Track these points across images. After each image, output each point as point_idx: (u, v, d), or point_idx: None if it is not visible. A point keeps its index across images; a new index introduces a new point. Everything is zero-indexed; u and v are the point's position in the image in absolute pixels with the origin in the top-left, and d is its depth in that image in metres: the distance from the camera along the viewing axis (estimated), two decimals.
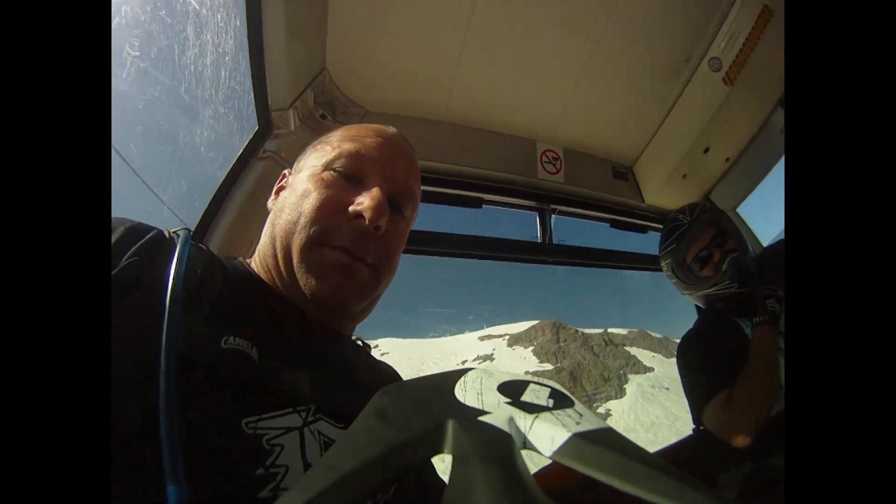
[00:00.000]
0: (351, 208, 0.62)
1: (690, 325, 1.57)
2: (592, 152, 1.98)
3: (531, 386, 0.43)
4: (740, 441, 1.15)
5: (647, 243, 2.28)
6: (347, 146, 0.68)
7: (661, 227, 2.30)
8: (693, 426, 1.39)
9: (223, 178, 1.28)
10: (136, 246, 0.51)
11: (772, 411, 1.17)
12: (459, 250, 1.64)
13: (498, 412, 0.37)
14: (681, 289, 1.59)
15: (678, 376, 1.43)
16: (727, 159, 2.24)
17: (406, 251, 0.81)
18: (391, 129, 0.75)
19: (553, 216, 1.85)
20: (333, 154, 0.67)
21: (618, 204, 2.05)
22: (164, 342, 0.43)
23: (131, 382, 0.42)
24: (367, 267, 0.63)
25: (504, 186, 1.77)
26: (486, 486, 0.27)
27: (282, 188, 0.74)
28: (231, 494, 0.42)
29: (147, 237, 0.53)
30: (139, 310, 0.46)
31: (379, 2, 1.35)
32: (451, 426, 0.34)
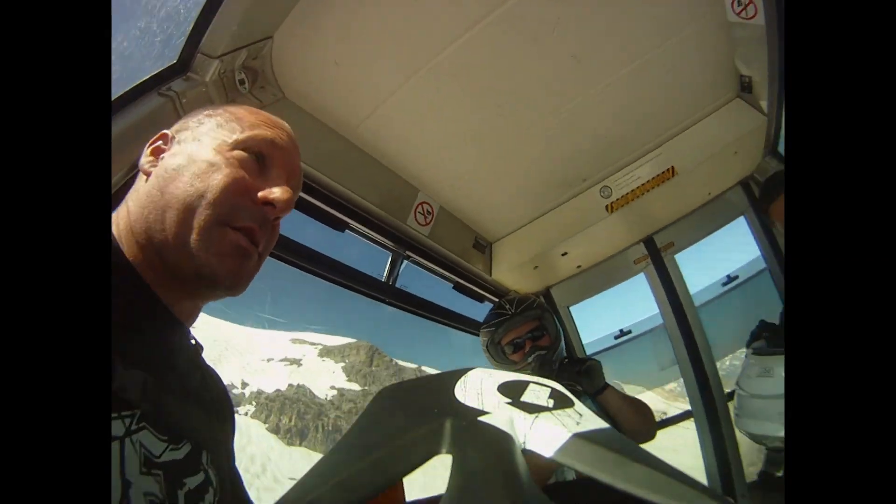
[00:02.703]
0: (261, 194, 0.65)
1: None
2: (463, 219, 2.28)
3: (531, 386, 0.45)
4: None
5: (481, 311, 2.56)
6: (261, 132, 0.69)
7: (496, 300, 2.56)
8: None
9: (114, 97, 1.21)
10: None
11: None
12: (307, 263, 1.71)
13: (498, 412, 0.39)
14: (490, 363, 1.90)
15: None
16: (578, 266, 2.70)
17: None
18: (288, 126, 0.77)
19: (405, 262, 2.08)
20: (245, 135, 0.68)
21: (466, 270, 2.36)
22: None
23: None
24: (257, 254, 0.66)
25: (372, 220, 1.90)
26: (486, 486, 0.28)
27: (160, 150, 0.71)
28: None
29: None
30: None
31: (353, 13, 1.44)
32: (450, 426, 0.36)
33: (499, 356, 1.85)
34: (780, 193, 1.90)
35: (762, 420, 1.69)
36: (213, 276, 0.62)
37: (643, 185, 2.22)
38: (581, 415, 0.41)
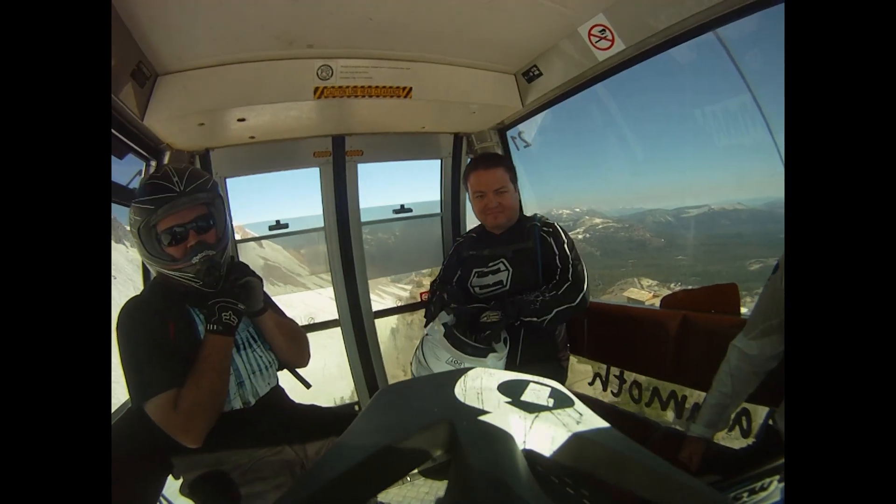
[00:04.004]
0: None
1: None
2: (133, 29, 1.51)
3: (531, 385, 0.46)
4: (189, 441, 1.25)
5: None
6: None
7: (143, 154, 2.05)
8: None
9: None
10: None
11: (217, 415, 1.31)
12: None
13: (498, 411, 0.41)
14: (139, 249, 1.40)
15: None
16: (252, 137, 2.36)
17: None
18: None
19: None
20: None
21: (115, 110, 1.63)
22: None
23: None
24: None
25: None
26: (486, 485, 0.30)
27: None
28: None
29: None
30: None
31: None
32: (450, 426, 0.38)
33: (152, 245, 1.37)
34: (477, 168, 2.01)
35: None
36: None
37: (370, 87, 1.98)
38: (581, 414, 0.41)
